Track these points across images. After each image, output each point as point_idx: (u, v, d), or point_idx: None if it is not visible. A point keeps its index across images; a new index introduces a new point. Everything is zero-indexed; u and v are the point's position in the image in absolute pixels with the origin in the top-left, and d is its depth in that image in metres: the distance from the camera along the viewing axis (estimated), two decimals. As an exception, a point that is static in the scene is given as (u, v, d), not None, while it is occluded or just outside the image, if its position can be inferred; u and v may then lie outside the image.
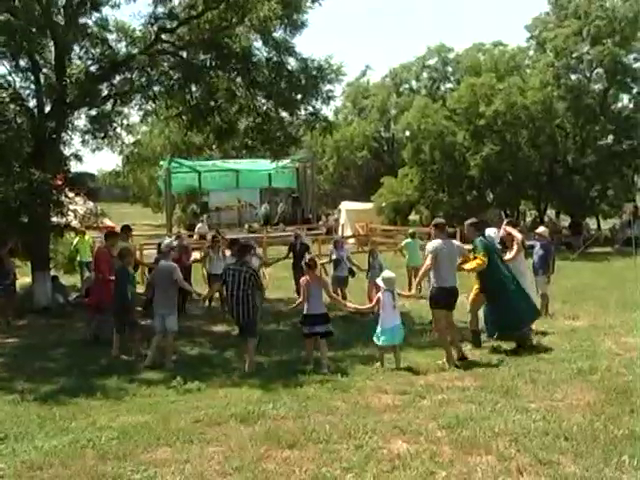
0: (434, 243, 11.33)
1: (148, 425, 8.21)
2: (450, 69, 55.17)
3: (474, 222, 12.56)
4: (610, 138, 36.92)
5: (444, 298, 11.18)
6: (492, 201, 38.44)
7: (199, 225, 35.16)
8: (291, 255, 18.04)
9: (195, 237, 32.00)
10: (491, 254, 11.83)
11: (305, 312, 11.39)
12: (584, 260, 27.45)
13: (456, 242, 12.18)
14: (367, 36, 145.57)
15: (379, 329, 11.13)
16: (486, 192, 37.85)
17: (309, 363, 11.24)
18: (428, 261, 11.27)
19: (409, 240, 19.70)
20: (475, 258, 11.75)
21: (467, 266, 11.84)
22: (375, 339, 11.21)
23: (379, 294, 11.37)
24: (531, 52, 41.83)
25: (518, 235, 13.50)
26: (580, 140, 36.24)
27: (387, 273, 11.82)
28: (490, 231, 13.06)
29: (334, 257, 17.07)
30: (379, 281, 11.53)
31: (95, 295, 14.29)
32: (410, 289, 17.03)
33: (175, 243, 14.10)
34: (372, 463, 6.68)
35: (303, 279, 11.58)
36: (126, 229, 16.32)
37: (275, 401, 9.01)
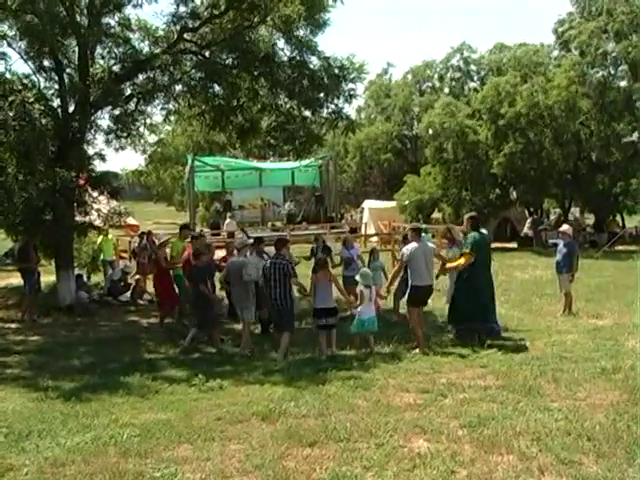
0: (409, 246, 12.24)
1: (170, 423, 8.25)
2: (474, 68, 54.98)
3: (472, 216, 13.27)
4: (635, 135, 36.56)
5: (421, 296, 12.33)
6: (515, 199, 38.26)
7: (227, 221, 35.09)
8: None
9: (223, 234, 31.93)
10: (479, 251, 12.39)
11: (315, 306, 12.26)
12: (608, 258, 27.24)
13: (430, 244, 13.07)
14: (387, 33, 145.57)
15: (356, 319, 12.27)
16: (509, 190, 37.68)
17: (323, 355, 11.92)
18: (397, 266, 12.73)
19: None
20: (461, 255, 12.58)
21: (452, 264, 12.73)
22: (352, 327, 12.36)
23: (360, 287, 12.36)
24: (555, 52, 41.48)
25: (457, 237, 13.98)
26: (605, 137, 35.88)
27: (363, 270, 13.02)
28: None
29: (344, 256, 16.64)
30: (357, 277, 12.60)
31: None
32: None
33: (250, 241, 14.37)
34: (393, 462, 6.67)
35: (313, 275, 12.30)
36: (185, 228, 17.00)
37: (297, 399, 9.00)
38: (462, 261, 12.40)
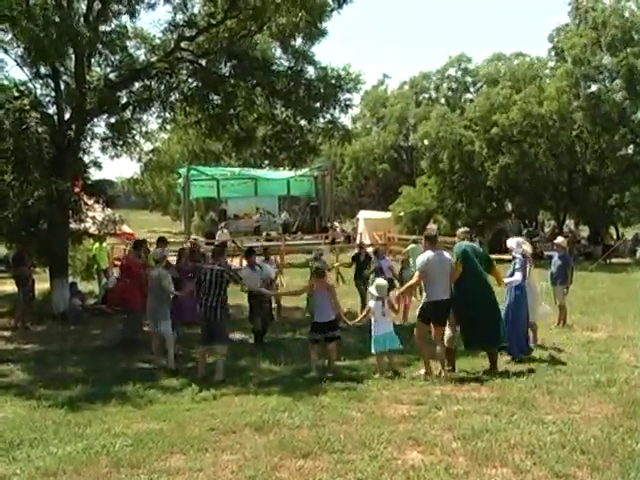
0: (424, 256, 10.87)
1: (163, 432, 8.21)
2: (470, 79, 55.03)
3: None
4: (630, 148, 36.59)
5: (432, 312, 10.84)
6: (511, 211, 38.31)
7: (219, 232, 35.11)
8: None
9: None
10: (468, 261, 11.07)
11: (314, 320, 11.53)
12: (603, 271, 27.24)
13: (447, 254, 11.21)
14: (384, 43, 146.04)
15: (373, 337, 11.11)
16: (505, 202, 37.73)
17: (313, 370, 11.20)
18: (415, 278, 11.14)
19: (414, 245, 20.27)
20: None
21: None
22: (372, 349, 11.20)
23: (370, 302, 11.32)
24: (552, 63, 41.44)
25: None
26: (599, 150, 35.92)
27: (379, 281, 11.74)
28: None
29: (374, 266, 17.07)
30: (371, 289, 11.48)
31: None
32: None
33: (165, 253, 14.09)
34: (386, 474, 6.62)
35: (309, 284, 11.59)
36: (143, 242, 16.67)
37: (290, 410, 8.95)
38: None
